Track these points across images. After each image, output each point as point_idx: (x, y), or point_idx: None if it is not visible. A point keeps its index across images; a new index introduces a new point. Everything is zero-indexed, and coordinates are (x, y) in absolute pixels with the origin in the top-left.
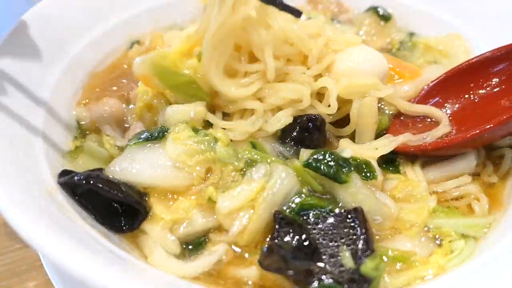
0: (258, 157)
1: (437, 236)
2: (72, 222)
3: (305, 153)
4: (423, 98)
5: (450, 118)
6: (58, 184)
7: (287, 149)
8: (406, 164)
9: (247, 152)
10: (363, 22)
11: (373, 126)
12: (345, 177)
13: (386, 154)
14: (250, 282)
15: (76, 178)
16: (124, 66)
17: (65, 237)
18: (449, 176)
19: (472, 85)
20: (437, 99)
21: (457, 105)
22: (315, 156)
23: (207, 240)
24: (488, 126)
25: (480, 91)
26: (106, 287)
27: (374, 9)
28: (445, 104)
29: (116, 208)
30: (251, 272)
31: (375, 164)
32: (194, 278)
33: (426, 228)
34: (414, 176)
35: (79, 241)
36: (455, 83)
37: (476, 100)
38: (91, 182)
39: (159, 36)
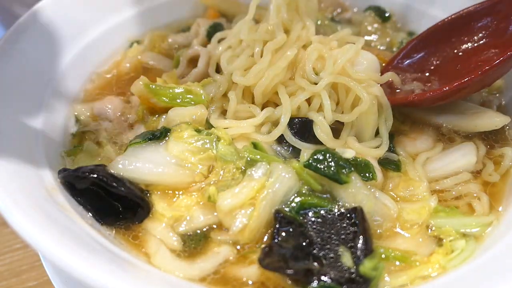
0: (259, 156)
1: (438, 236)
2: (72, 222)
3: (305, 154)
4: (407, 54)
5: (435, 70)
6: (58, 179)
7: (285, 148)
8: (407, 163)
9: (247, 151)
10: (363, 22)
11: (373, 123)
12: (345, 178)
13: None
14: (250, 282)
15: (81, 170)
16: (124, 66)
17: (65, 237)
18: (449, 174)
19: (455, 39)
20: (421, 53)
21: (440, 60)
22: (315, 157)
23: (207, 237)
24: (470, 78)
25: (463, 46)
26: (106, 287)
27: (374, 9)
28: (429, 59)
29: (115, 206)
30: (251, 271)
31: (375, 163)
32: (196, 280)
33: (427, 228)
34: (415, 175)
35: (79, 241)
36: (438, 38)
37: (460, 54)
38: (96, 175)
39: (158, 35)
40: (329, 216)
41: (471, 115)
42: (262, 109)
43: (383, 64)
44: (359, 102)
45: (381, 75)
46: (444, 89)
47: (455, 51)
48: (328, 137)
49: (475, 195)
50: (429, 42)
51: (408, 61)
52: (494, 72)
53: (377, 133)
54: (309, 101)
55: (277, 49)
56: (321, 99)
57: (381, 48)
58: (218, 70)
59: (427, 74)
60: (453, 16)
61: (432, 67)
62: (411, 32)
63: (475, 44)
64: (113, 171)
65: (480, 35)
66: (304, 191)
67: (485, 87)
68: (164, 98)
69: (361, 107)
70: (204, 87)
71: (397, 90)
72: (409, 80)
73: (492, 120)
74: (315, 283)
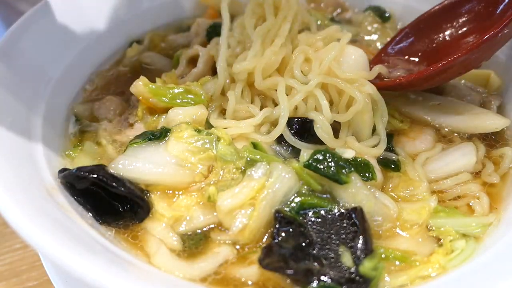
0: (258, 156)
1: (437, 236)
2: (72, 222)
3: (305, 154)
4: (399, 41)
5: (423, 56)
6: (59, 179)
7: (285, 148)
8: (407, 163)
9: (247, 151)
10: (363, 22)
11: (369, 122)
12: (345, 178)
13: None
14: (250, 282)
15: (81, 170)
16: (124, 65)
17: (65, 237)
18: (449, 174)
19: (444, 26)
20: (411, 39)
21: (430, 45)
22: (315, 157)
23: (207, 237)
24: (455, 57)
25: (451, 31)
26: (106, 287)
27: (374, 9)
28: (419, 44)
29: (115, 206)
30: (251, 271)
31: (375, 163)
32: (196, 280)
33: (426, 228)
34: (415, 175)
35: (79, 241)
36: (428, 25)
37: (447, 39)
38: (96, 175)
39: (158, 35)
40: (329, 216)
41: (471, 116)
42: (261, 110)
43: (377, 52)
44: (353, 101)
45: (373, 62)
46: (430, 69)
47: (444, 36)
48: (329, 137)
49: (475, 195)
50: (420, 29)
51: (399, 47)
52: (478, 52)
53: (374, 132)
54: (304, 101)
55: (267, 32)
56: (315, 100)
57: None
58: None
59: (417, 59)
60: (445, 3)
61: (422, 53)
62: None
63: (464, 29)
64: (113, 171)
65: (468, 20)
66: (304, 191)
67: (472, 68)
68: (164, 98)
69: (355, 107)
70: (202, 85)
71: (385, 79)
72: (400, 66)
73: (492, 122)
74: (315, 283)
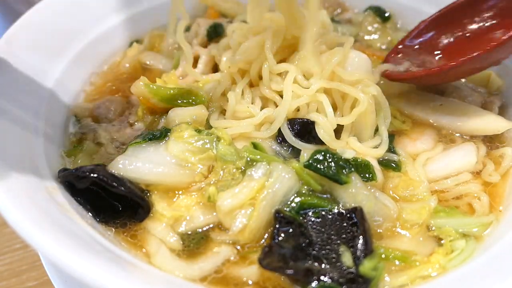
0: (259, 157)
1: (438, 236)
2: (72, 222)
3: (305, 154)
4: (419, 34)
5: (443, 50)
6: (59, 178)
7: (285, 148)
8: (407, 163)
9: (247, 151)
10: (363, 22)
11: (371, 123)
12: (345, 178)
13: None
14: (250, 282)
15: (81, 170)
16: (124, 66)
17: (65, 237)
18: (449, 174)
19: (465, 21)
20: (431, 33)
21: (450, 40)
22: (315, 157)
23: (207, 237)
24: (475, 54)
25: (472, 26)
26: (106, 287)
27: (374, 9)
28: (439, 39)
29: (115, 206)
30: (251, 271)
31: (375, 163)
32: (196, 280)
33: (427, 228)
34: (415, 175)
35: (79, 241)
36: (449, 19)
37: (468, 35)
38: (96, 175)
39: (158, 35)
40: (329, 216)
41: (473, 118)
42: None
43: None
44: (356, 103)
45: (391, 53)
46: (452, 63)
47: (465, 32)
48: (331, 138)
49: (475, 195)
50: (440, 24)
51: (419, 41)
52: (501, 49)
53: (376, 132)
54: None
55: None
56: (316, 104)
57: (382, 47)
58: (217, 70)
59: (436, 53)
60: None
61: (442, 47)
62: None
63: (486, 25)
64: (113, 171)
65: (491, 16)
66: (304, 191)
67: (492, 65)
68: (164, 99)
69: (359, 108)
70: (204, 86)
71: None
72: (417, 59)
73: (494, 125)
74: (315, 283)
